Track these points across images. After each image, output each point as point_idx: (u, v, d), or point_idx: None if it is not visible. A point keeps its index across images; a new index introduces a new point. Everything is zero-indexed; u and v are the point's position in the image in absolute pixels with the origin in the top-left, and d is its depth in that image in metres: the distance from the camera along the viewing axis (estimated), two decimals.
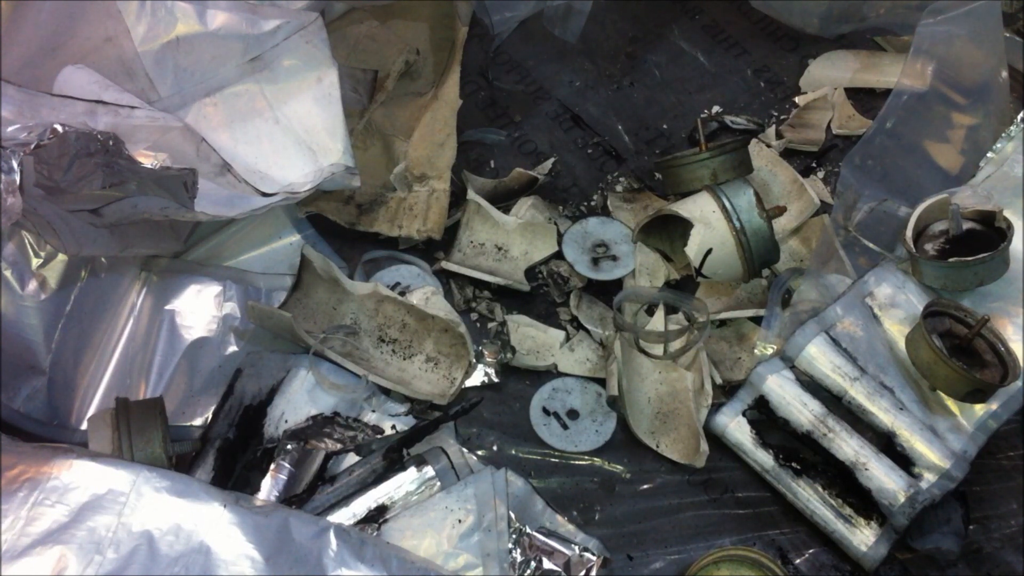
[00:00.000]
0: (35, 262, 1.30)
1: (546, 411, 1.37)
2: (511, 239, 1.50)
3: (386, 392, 1.34)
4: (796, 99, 1.72)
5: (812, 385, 1.30)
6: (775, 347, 1.36)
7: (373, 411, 1.33)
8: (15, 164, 1.03)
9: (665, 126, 1.69)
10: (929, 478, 1.24)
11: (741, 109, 1.71)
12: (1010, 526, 1.30)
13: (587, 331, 1.44)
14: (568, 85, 1.74)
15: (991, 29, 1.50)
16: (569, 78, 1.74)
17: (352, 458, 1.28)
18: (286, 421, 1.31)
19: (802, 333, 1.30)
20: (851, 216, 1.45)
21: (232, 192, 1.29)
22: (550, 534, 1.21)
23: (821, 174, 1.63)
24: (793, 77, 1.75)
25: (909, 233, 1.35)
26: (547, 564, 1.19)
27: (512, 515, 1.20)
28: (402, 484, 1.22)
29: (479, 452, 1.33)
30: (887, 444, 1.26)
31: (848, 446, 1.26)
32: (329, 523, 1.09)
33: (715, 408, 1.34)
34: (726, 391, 1.37)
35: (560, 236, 1.49)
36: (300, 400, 1.32)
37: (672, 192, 1.50)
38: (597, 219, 1.53)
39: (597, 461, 1.34)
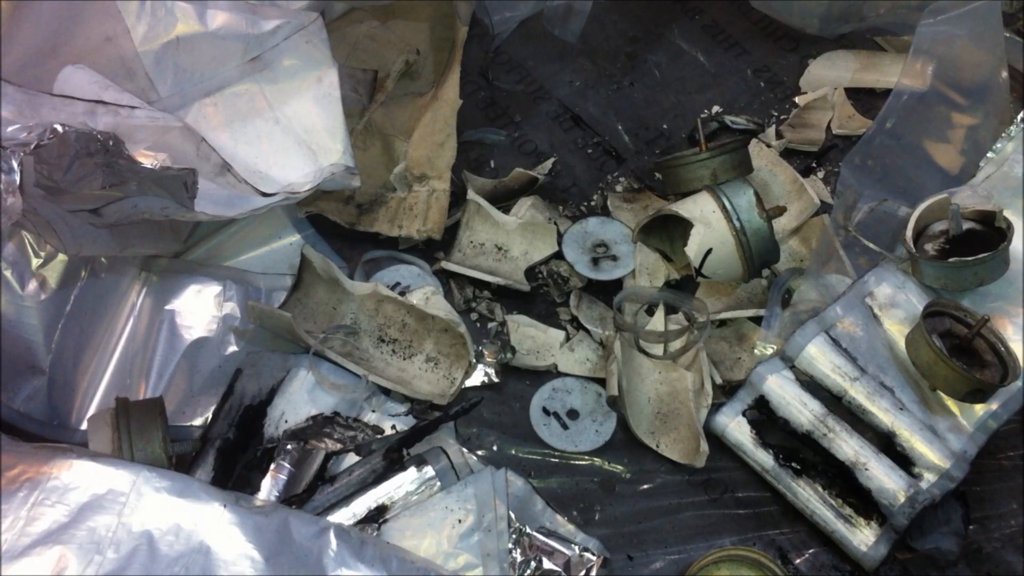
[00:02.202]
0: (35, 262, 1.30)
1: (546, 411, 1.37)
2: (511, 239, 1.50)
3: (386, 392, 1.34)
4: (796, 99, 1.72)
5: (812, 385, 1.30)
6: (775, 347, 1.36)
7: (373, 411, 1.33)
8: (15, 164, 1.03)
9: (665, 126, 1.69)
10: (929, 478, 1.24)
11: (741, 109, 1.71)
12: (1010, 526, 1.30)
13: (587, 331, 1.44)
14: (568, 85, 1.73)
15: (991, 29, 1.50)
16: (569, 78, 1.74)
17: (352, 458, 1.28)
18: (286, 421, 1.31)
19: (802, 333, 1.30)
20: (851, 216, 1.45)
21: (232, 192, 1.29)
22: (550, 534, 1.21)
23: (821, 174, 1.63)
24: (793, 77, 1.75)
25: (909, 233, 1.35)
26: (547, 564, 1.19)
27: (512, 515, 1.20)
28: (402, 484, 1.22)
29: (479, 452, 1.33)
30: (887, 444, 1.26)
31: (848, 446, 1.26)
32: (329, 523, 1.09)
33: (715, 408, 1.34)
34: (726, 391, 1.37)
35: (560, 236, 1.49)
36: (300, 400, 1.32)
37: (672, 192, 1.50)
38: (597, 219, 1.53)
39: (597, 461, 1.34)
